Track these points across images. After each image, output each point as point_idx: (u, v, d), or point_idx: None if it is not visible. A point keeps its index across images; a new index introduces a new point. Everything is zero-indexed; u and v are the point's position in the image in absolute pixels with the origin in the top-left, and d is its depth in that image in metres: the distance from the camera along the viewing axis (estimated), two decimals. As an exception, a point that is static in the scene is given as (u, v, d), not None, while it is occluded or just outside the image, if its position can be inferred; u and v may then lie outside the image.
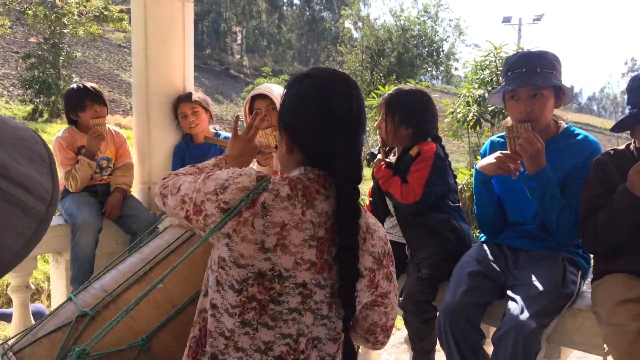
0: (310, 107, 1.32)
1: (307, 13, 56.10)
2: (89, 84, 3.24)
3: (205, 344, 1.29)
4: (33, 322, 2.94)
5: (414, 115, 2.41)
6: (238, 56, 48.77)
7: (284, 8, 55.75)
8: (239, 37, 50.91)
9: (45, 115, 18.27)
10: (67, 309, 1.55)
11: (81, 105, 3.12)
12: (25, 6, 18.72)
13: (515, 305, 1.94)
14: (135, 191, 3.36)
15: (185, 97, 3.22)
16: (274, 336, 1.24)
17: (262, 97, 2.72)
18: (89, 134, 3.06)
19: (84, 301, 1.54)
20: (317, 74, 1.39)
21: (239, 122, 1.86)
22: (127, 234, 3.13)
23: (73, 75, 20.00)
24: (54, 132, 12.15)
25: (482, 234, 2.44)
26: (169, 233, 1.71)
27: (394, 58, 27.17)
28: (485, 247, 2.31)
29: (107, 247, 3.07)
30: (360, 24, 32.49)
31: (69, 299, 1.59)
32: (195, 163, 3.17)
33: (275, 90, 2.74)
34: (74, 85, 3.24)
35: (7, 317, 3.58)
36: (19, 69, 20.57)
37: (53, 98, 18.14)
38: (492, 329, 2.11)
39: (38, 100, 18.57)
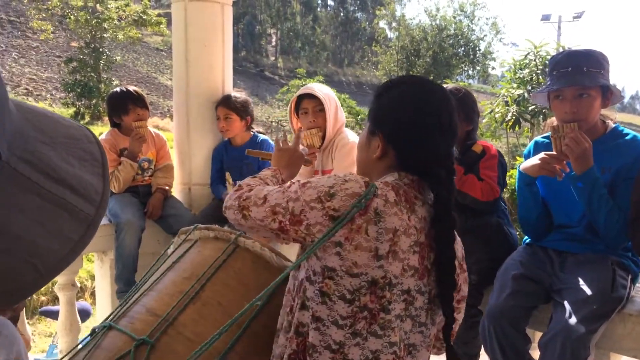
0: (417, 111, 1.31)
1: (341, 14, 56.06)
2: (131, 88, 3.29)
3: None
4: (79, 319, 3.01)
5: (473, 113, 2.45)
6: (273, 58, 49.10)
7: (318, 9, 55.85)
8: (274, 39, 51.26)
9: (87, 118, 18.75)
10: (113, 339, 1.40)
11: (124, 108, 3.18)
12: (67, 11, 19.27)
13: (563, 310, 1.89)
14: (176, 192, 3.40)
15: (222, 102, 3.24)
16: (381, 345, 1.22)
17: (310, 96, 2.71)
18: (131, 136, 3.12)
19: (132, 328, 1.40)
20: (420, 80, 1.39)
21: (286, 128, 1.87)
22: (169, 234, 3.18)
23: (113, 79, 20.50)
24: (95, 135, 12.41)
25: (526, 236, 2.39)
26: (206, 247, 1.61)
27: (430, 58, 26.93)
28: (529, 249, 2.26)
29: (149, 246, 3.13)
30: (395, 24, 32.30)
31: (108, 327, 1.44)
32: (233, 165, 3.24)
33: (323, 90, 2.73)
34: (117, 89, 3.30)
35: (54, 314, 3.69)
36: (61, 72, 21.18)
37: (94, 101, 18.63)
38: (538, 334, 2.07)
39: (80, 103, 19.09)
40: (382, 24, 35.95)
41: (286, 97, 21.59)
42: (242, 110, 3.22)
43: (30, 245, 0.51)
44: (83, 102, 18.98)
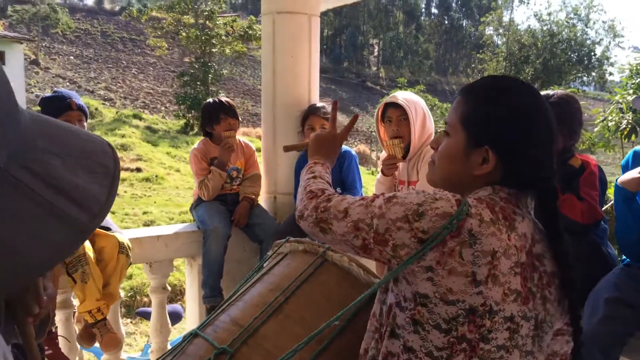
0: (535, 125, 1.18)
1: (446, 21, 55.06)
2: (223, 99, 3.40)
3: None
4: (169, 321, 3.14)
5: (579, 124, 2.27)
6: (374, 68, 49.19)
7: (422, 18, 55.23)
8: (376, 49, 51.35)
9: (195, 129, 19.80)
10: (197, 346, 1.43)
11: (215, 118, 3.29)
12: (180, 29, 20.54)
13: (662, 340, 1.69)
14: (262, 200, 3.47)
15: (316, 110, 3.22)
16: None
17: (394, 105, 2.68)
18: (220, 145, 3.22)
19: (215, 336, 1.42)
20: (528, 89, 1.23)
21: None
22: (254, 242, 3.24)
23: (220, 92, 21.54)
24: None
25: (624, 256, 2.18)
26: (295, 260, 1.59)
27: (540, 64, 25.75)
28: (627, 271, 2.06)
29: (235, 253, 3.21)
30: (502, 29, 31.23)
31: (194, 334, 1.48)
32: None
33: (409, 98, 2.67)
34: (210, 100, 3.42)
35: (148, 315, 3.89)
36: (174, 86, 22.56)
37: (202, 113, 19.62)
38: (634, 365, 1.87)
39: (189, 115, 20.18)
40: (489, 30, 34.90)
41: (386, 106, 21.46)
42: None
43: (10, 246, 0.53)
44: (192, 114, 20.05)
